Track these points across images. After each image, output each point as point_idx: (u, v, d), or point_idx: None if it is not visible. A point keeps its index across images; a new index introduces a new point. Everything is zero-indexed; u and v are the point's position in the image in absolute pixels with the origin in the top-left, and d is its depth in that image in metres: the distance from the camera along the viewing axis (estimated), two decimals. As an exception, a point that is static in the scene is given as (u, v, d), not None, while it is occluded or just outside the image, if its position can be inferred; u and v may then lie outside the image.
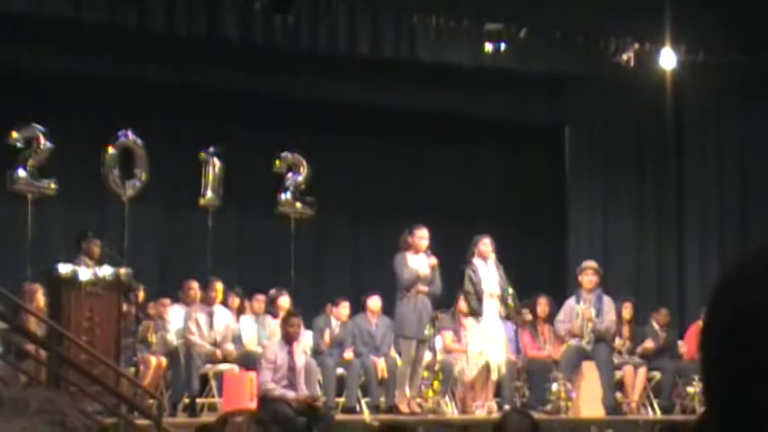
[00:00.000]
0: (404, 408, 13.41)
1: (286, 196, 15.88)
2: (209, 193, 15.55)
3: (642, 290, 17.84)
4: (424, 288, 13.50)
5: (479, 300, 13.77)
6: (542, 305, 15.24)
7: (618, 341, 15.11)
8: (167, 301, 14.32)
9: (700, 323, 15.79)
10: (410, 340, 13.52)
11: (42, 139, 14.17)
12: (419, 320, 13.45)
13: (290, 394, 12.37)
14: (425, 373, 13.69)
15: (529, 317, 15.00)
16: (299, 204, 15.93)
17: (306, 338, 13.99)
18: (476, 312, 13.83)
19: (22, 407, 1.23)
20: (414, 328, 13.44)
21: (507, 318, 14.06)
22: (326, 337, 14.40)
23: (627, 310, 15.30)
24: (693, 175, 18.45)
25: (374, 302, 14.68)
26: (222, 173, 15.55)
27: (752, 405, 1.26)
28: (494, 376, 13.84)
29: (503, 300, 13.82)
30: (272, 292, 14.71)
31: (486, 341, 13.81)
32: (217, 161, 15.51)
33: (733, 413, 1.27)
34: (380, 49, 16.12)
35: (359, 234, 18.32)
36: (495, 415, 12.68)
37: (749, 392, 1.25)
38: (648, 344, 15.42)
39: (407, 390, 13.59)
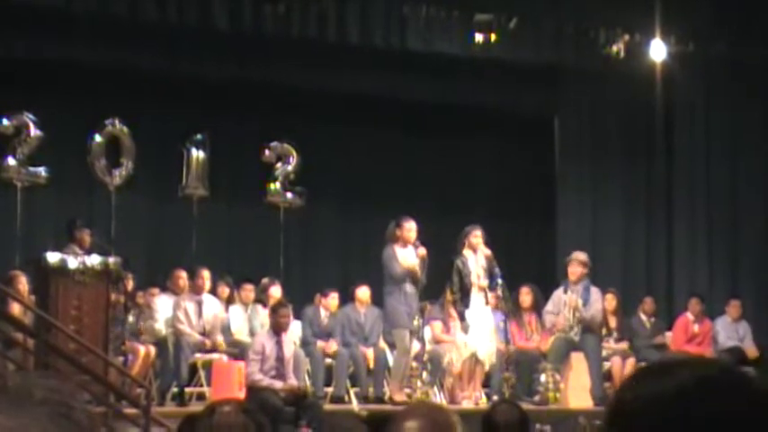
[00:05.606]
0: (398, 398, 13.38)
1: (275, 186, 15.86)
2: (191, 183, 15.48)
3: (630, 280, 17.86)
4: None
5: (466, 292, 13.74)
6: (524, 294, 15.12)
7: (604, 330, 15.14)
8: (156, 290, 14.30)
9: (688, 314, 15.92)
10: (404, 330, 13.50)
11: (32, 128, 14.11)
12: (410, 311, 13.44)
13: (278, 384, 12.35)
14: (414, 364, 13.67)
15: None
16: (288, 194, 15.90)
17: (294, 328, 13.97)
18: (460, 305, 13.80)
19: (25, 396, 1.18)
20: (405, 318, 13.43)
21: (496, 307, 14.04)
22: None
23: (610, 302, 15.29)
24: (682, 165, 18.46)
25: (363, 293, 14.66)
26: (205, 162, 15.49)
27: None
28: (486, 367, 13.85)
29: (490, 290, 13.79)
30: (265, 281, 14.69)
31: (473, 332, 13.79)
32: (197, 151, 15.43)
33: None
34: (370, 38, 16.09)
35: (348, 224, 18.30)
36: (484, 405, 12.69)
37: None
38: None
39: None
